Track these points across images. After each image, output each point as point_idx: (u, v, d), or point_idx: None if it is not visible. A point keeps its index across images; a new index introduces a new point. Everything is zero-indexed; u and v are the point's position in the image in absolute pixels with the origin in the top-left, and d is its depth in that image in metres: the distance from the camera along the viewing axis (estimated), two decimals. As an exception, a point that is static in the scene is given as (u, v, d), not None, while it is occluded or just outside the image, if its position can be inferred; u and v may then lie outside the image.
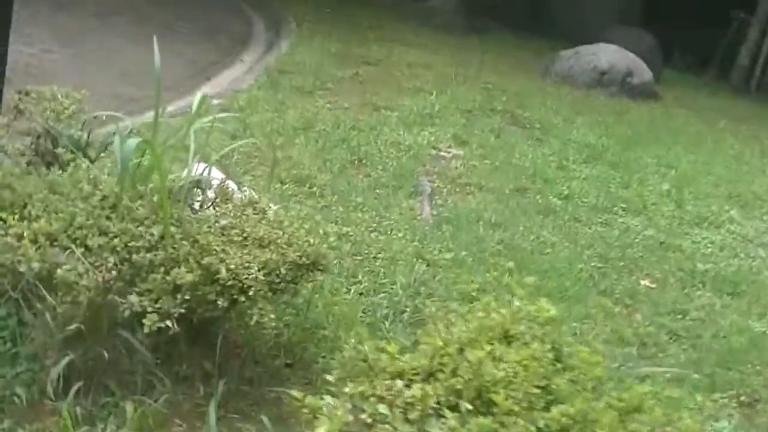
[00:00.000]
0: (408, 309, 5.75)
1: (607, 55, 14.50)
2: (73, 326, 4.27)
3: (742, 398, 5.43)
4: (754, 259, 7.86)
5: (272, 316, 4.45)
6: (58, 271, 4.19)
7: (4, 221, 4.44)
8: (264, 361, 4.88)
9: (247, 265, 4.42)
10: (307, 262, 4.63)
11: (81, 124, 5.28)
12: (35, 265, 4.22)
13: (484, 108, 11.17)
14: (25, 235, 4.36)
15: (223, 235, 4.64)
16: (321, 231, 4.91)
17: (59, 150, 5.07)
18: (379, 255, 6.45)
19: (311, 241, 4.72)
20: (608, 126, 11.46)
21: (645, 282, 7.05)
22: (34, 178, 4.81)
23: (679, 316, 6.49)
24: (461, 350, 3.58)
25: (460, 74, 13.06)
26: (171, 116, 9.08)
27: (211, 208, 4.97)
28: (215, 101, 9.93)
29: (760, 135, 13.38)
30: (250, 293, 4.37)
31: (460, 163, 8.82)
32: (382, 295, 5.86)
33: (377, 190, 7.73)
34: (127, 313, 4.22)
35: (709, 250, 7.89)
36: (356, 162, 8.37)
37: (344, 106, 10.35)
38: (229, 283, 4.35)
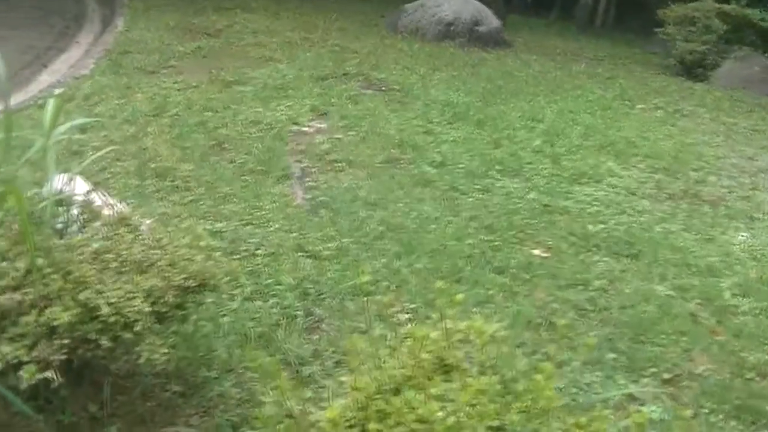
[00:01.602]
0: (299, 313, 5.24)
1: (452, 5, 14.19)
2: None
3: (665, 375, 5.13)
4: (642, 214, 7.64)
5: (164, 351, 3.89)
6: None
7: None
8: (155, 394, 4.33)
9: (129, 296, 3.84)
10: (194, 284, 4.08)
11: None
12: None
13: (336, 73, 10.70)
14: None
15: (97, 261, 4.04)
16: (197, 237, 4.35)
17: None
18: (258, 251, 5.93)
19: (195, 258, 4.18)
20: (465, 81, 11.16)
21: (538, 251, 6.70)
22: None
23: (581, 288, 6.13)
24: (397, 391, 3.11)
25: (307, 39, 12.57)
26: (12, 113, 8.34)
27: (78, 229, 4.35)
28: (56, 90, 9.16)
29: (617, 75, 13.31)
30: (136, 328, 3.80)
31: (324, 138, 8.32)
32: (270, 300, 5.31)
33: (244, 177, 7.18)
34: None
35: (595, 208, 7.61)
36: (217, 147, 7.78)
37: (193, 85, 9.71)
38: (112, 319, 3.77)
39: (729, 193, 8.58)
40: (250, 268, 5.68)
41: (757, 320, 5.91)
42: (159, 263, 4.08)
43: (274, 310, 5.22)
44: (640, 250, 6.84)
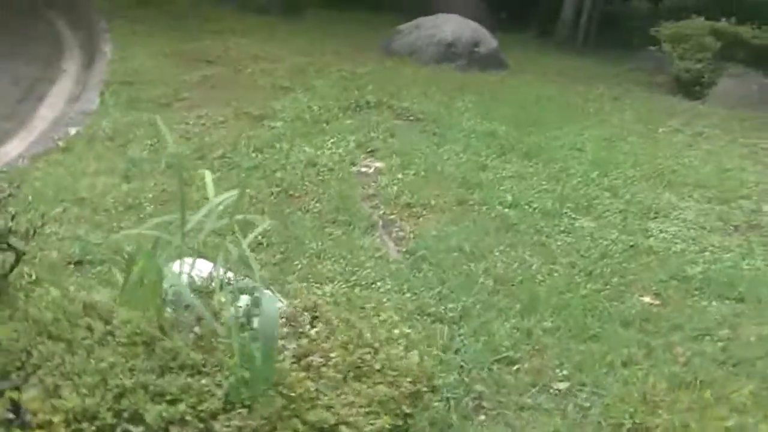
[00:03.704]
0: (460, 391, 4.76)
1: (450, 25, 13.81)
2: None
3: None
4: (722, 250, 7.42)
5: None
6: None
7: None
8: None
9: (364, 410, 3.33)
10: (425, 388, 3.59)
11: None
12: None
13: (359, 103, 10.21)
14: (54, 420, 3.10)
15: (309, 368, 3.52)
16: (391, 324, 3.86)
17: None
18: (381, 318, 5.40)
19: (409, 355, 3.68)
20: (489, 107, 10.81)
21: (648, 299, 6.38)
22: None
23: (708, 338, 5.83)
24: None
25: (310, 64, 12.00)
26: (29, 158, 7.73)
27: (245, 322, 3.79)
28: (72, 130, 8.54)
29: (621, 96, 13.09)
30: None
31: (387, 179, 7.85)
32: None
33: (328, 230, 6.65)
34: None
35: (678, 246, 7.37)
36: (283, 194, 7.23)
37: (220, 120, 9.15)
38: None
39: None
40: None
41: None
42: (374, 365, 3.57)
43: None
44: (741, 291, 6.62)
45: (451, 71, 12.80)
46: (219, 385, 3.26)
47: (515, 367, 5.12)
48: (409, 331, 4.02)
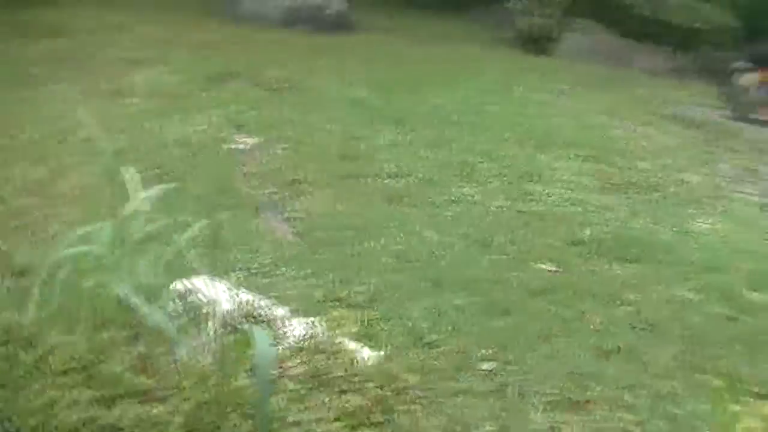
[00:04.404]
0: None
1: (295, -12, 13.39)
2: None
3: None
4: (607, 210, 7.49)
5: None
6: None
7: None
8: None
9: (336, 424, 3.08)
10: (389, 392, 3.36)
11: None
12: None
13: (218, 74, 9.76)
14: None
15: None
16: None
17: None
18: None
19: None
20: (352, 72, 10.55)
21: (546, 266, 6.31)
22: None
23: (619, 303, 5.80)
24: None
25: (158, 32, 11.48)
26: None
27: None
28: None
29: (478, 58, 13.01)
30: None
31: (264, 156, 7.50)
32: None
33: (214, 213, 6.24)
34: None
35: (566, 209, 7.40)
36: (157, 179, 6.76)
37: (74, 98, 8.52)
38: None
39: (660, 177, 8.51)
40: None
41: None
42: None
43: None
44: (637, 252, 6.65)
45: (303, 35, 12.51)
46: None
47: (438, 350, 4.90)
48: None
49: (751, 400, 4.53)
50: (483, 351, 4.94)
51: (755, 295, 6.26)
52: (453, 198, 7.20)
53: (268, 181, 7.00)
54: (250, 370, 3.38)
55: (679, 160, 9.14)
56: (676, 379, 4.93)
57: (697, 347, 5.38)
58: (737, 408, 2.85)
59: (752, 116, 12.03)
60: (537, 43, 14.24)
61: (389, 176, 7.40)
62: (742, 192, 8.53)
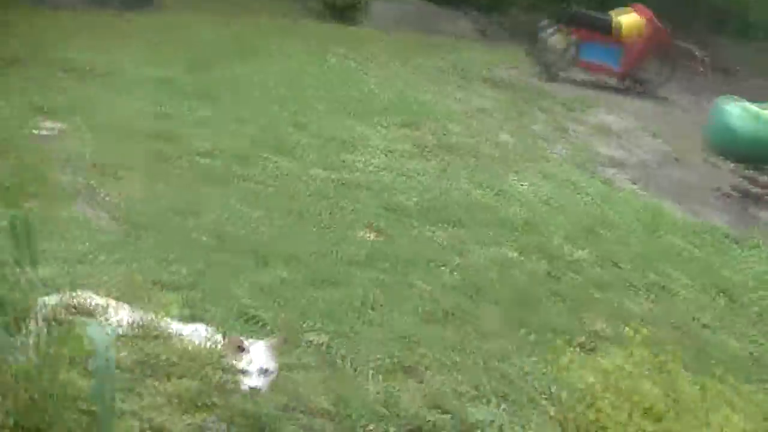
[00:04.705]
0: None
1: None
2: None
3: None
4: (425, 175, 7.61)
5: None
6: None
7: None
8: None
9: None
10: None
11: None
12: None
13: (17, 57, 9.25)
14: None
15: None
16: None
17: None
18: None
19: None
20: (157, 51, 10.21)
21: (370, 235, 6.34)
22: None
23: (433, 264, 5.90)
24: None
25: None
26: None
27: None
28: None
29: (287, 29, 12.82)
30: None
31: (75, 142, 7.11)
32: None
33: (27, 205, 5.86)
34: None
35: (384, 176, 7.45)
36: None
37: None
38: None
39: (475, 140, 8.62)
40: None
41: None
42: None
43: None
44: (457, 215, 6.75)
45: (107, 15, 11.97)
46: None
47: (266, 327, 4.77)
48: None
49: (578, 351, 4.62)
50: (311, 323, 4.86)
51: (574, 251, 6.42)
52: (270, 173, 7.06)
53: (79, 166, 6.66)
54: (79, 364, 3.20)
55: (493, 122, 9.29)
56: (505, 338, 5.00)
57: (522, 305, 5.50)
58: (566, 360, 2.86)
59: (562, 75, 12.34)
60: (344, 13, 14.13)
61: (203, 155, 7.18)
62: (555, 151, 8.73)
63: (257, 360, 3.68)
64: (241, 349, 3.67)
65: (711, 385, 2.86)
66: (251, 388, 3.62)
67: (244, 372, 3.62)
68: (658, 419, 2.69)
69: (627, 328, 2.87)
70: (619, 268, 6.35)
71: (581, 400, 2.78)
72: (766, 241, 7.20)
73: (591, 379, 2.86)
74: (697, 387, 2.83)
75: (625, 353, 2.91)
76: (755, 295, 6.22)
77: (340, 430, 3.87)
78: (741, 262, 6.73)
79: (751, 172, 8.37)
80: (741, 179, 8.42)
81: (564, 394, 2.81)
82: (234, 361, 3.61)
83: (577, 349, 4.73)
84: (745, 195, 8.24)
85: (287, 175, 7.08)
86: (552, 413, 2.85)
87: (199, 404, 3.18)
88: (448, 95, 10.22)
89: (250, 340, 3.84)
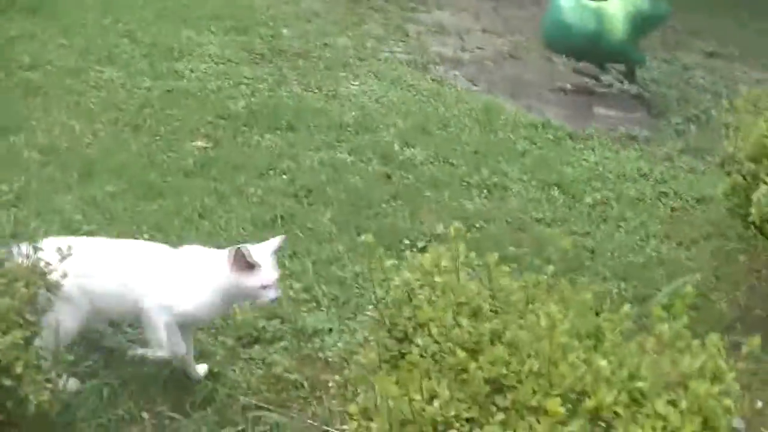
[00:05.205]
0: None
1: None
2: None
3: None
4: (258, 81, 7.49)
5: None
6: None
7: None
8: None
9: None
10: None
11: None
12: None
13: None
14: None
15: None
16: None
17: None
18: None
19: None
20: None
21: (200, 143, 6.29)
22: None
23: (271, 172, 5.91)
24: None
25: None
26: None
27: None
28: None
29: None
30: None
31: None
32: None
33: None
34: None
35: (214, 84, 7.31)
36: None
37: None
38: None
39: (307, 43, 8.54)
40: None
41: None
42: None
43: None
44: (289, 120, 6.73)
45: None
46: None
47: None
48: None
49: (412, 252, 4.72)
50: (142, 236, 4.81)
51: (408, 151, 6.49)
52: (96, 84, 6.88)
53: None
54: None
55: (326, 25, 9.18)
56: (338, 242, 5.05)
57: (356, 208, 5.56)
58: (396, 262, 2.92)
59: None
60: None
61: (25, 68, 6.92)
62: (390, 51, 8.71)
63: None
64: (251, 265, 3.52)
65: (537, 280, 2.94)
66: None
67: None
68: (474, 314, 2.76)
69: (451, 227, 2.91)
70: (454, 165, 6.41)
71: (400, 299, 2.84)
72: (601, 135, 7.29)
73: (411, 277, 2.92)
74: (522, 282, 2.90)
75: (449, 251, 2.96)
76: (588, 187, 6.31)
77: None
78: (576, 157, 6.80)
79: (589, 68, 8.43)
80: (578, 75, 8.49)
81: (385, 294, 2.87)
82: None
83: (412, 250, 4.85)
84: (583, 91, 8.32)
85: (115, 85, 6.91)
86: (374, 314, 2.91)
87: (18, 321, 3.11)
88: (280, -1, 10.02)
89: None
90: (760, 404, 4.08)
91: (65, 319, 3.37)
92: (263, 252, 3.57)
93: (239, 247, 3.50)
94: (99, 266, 3.59)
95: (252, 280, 3.51)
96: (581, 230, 5.75)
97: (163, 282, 3.56)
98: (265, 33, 8.53)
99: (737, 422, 3.04)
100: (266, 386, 3.91)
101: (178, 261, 3.65)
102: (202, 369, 3.86)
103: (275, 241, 3.66)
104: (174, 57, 7.65)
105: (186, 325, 3.65)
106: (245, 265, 3.50)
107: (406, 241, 5.15)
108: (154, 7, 8.78)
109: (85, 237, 4.11)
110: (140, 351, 3.75)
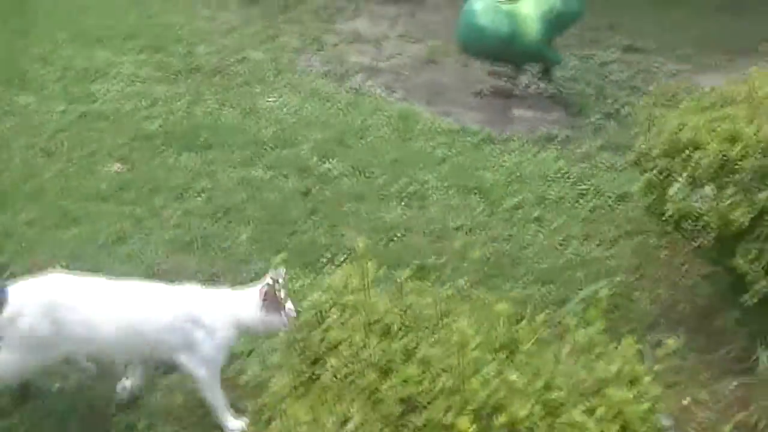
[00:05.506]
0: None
1: None
2: None
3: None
4: (174, 100, 7.37)
5: None
6: None
7: None
8: None
9: None
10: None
11: None
12: None
13: None
14: None
15: None
16: None
17: None
18: None
19: None
20: None
21: (115, 167, 6.20)
22: None
23: (188, 193, 5.81)
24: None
25: None
26: None
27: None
28: None
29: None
30: None
31: None
32: None
33: None
34: None
35: (129, 105, 7.22)
36: None
37: None
38: None
39: (222, 59, 8.44)
40: None
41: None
42: None
43: None
44: (206, 138, 6.68)
45: None
46: None
47: (12, 273, 4.58)
48: None
49: (331, 268, 4.69)
50: (57, 265, 4.71)
51: (326, 165, 6.43)
52: (8, 109, 6.79)
53: None
54: None
55: (243, 39, 9.09)
56: (256, 262, 4.99)
57: (274, 226, 5.50)
58: (307, 282, 2.88)
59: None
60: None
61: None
62: (307, 63, 8.64)
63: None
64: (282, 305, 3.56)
65: (449, 293, 2.91)
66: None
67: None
68: (385, 332, 2.73)
69: (358, 243, 2.88)
70: (372, 176, 6.34)
71: (310, 321, 2.82)
72: (520, 137, 7.20)
73: (320, 298, 2.89)
74: (434, 297, 2.87)
75: (357, 268, 2.92)
76: (508, 191, 6.24)
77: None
78: (495, 161, 6.72)
79: (505, 70, 8.38)
80: (495, 77, 8.43)
81: (298, 317, 2.84)
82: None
83: (333, 265, 4.82)
84: (501, 94, 8.27)
85: (29, 111, 6.83)
86: (286, 337, 2.88)
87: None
88: (196, 15, 9.89)
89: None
90: (687, 400, 4.10)
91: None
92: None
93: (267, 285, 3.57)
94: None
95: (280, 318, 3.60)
96: (502, 235, 5.69)
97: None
98: (181, 50, 8.44)
99: (665, 420, 3.04)
100: (187, 413, 3.85)
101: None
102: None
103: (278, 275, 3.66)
104: (89, 79, 7.57)
105: None
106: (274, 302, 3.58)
107: (326, 257, 5.09)
108: (68, 30, 8.66)
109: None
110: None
